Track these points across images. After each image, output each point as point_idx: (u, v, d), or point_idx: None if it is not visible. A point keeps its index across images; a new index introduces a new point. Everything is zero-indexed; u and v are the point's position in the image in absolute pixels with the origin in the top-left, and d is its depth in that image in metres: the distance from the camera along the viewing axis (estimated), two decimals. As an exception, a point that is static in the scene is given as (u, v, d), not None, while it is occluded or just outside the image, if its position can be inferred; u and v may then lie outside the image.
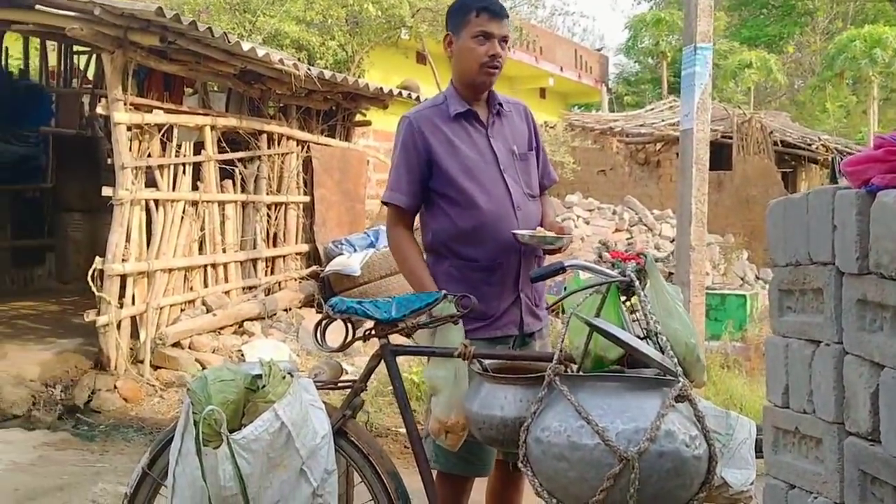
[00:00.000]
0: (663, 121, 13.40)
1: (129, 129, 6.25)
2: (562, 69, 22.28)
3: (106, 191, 6.16)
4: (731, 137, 12.38)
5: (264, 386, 2.34)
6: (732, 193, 11.73)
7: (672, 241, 8.98)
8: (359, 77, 10.47)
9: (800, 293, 1.91)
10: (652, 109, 15.18)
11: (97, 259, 6.02)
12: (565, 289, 2.69)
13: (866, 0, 27.99)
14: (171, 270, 6.66)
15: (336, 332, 2.59)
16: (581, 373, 2.28)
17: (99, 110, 6.43)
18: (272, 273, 8.03)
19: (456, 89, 2.74)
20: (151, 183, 6.52)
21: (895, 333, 1.55)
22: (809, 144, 13.36)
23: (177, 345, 6.51)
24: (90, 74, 10.74)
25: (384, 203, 2.75)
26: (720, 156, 11.74)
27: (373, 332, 2.54)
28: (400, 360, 2.62)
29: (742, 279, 9.48)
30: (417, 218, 2.83)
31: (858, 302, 1.65)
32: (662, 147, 12.94)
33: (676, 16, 24.00)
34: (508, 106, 2.82)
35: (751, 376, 5.99)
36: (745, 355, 6.55)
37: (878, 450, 1.55)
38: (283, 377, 2.38)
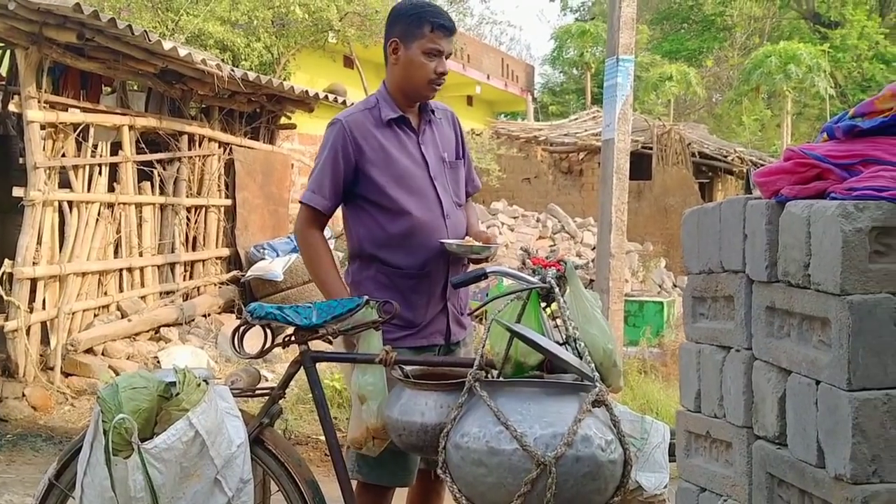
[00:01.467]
0: (586, 131, 13.63)
1: (42, 127, 6.04)
2: (489, 77, 22.48)
3: (17, 191, 5.94)
4: (651, 148, 12.68)
5: (178, 394, 2.29)
6: (652, 203, 12.01)
7: (593, 249, 9.14)
8: (284, 80, 10.34)
9: (712, 300, 1.96)
10: (576, 119, 15.43)
11: (6, 262, 5.79)
12: (487, 295, 2.70)
13: (782, 17, 29.08)
14: (84, 274, 6.45)
15: (255, 339, 2.55)
16: (501, 378, 2.29)
17: (11, 108, 6.19)
18: (191, 278, 7.85)
19: (390, 94, 2.70)
20: (65, 184, 6.31)
21: (802, 340, 1.60)
22: (726, 156, 13.77)
23: (89, 351, 6.30)
24: (3, 71, 10.33)
25: (302, 203, 2.70)
26: (640, 166, 12.00)
27: (292, 338, 2.51)
28: (322, 366, 2.59)
29: (660, 286, 9.71)
30: (340, 223, 2.81)
31: (767, 309, 1.70)
32: (585, 156, 13.17)
33: (601, 28, 24.46)
34: (439, 113, 2.82)
35: (667, 381, 6.12)
36: (661, 361, 6.70)
37: (785, 453, 1.60)
38: (198, 385, 2.33)
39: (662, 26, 30.66)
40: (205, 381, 2.38)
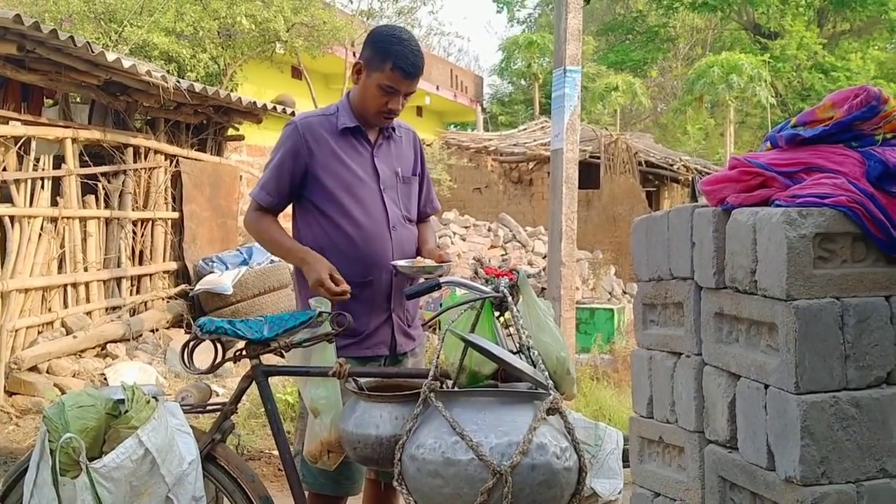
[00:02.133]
0: (535, 140, 13.76)
1: (-20, 140, 5.89)
2: (438, 88, 22.56)
3: (-45, 206, 5.78)
4: (598, 157, 12.84)
5: (127, 411, 2.24)
6: (600, 211, 12.15)
7: (544, 258, 9.21)
8: (231, 91, 10.24)
9: (662, 307, 1.99)
10: (525, 129, 15.56)
11: (-56, 279, 5.62)
12: (441, 305, 2.71)
13: (724, 29, 29.73)
14: (27, 290, 6.28)
15: (205, 353, 2.51)
16: (456, 388, 2.29)
17: (-52, 121, 6.03)
18: (138, 292, 7.69)
19: (351, 106, 2.73)
20: (6, 198, 6.15)
21: (750, 345, 1.63)
22: (671, 164, 14.01)
23: (34, 369, 6.12)
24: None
25: (252, 197, 2.74)
26: (589, 175, 12.14)
27: (244, 352, 2.48)
28: (273, 380, 2.56)
29: (610, 293, 9.83)
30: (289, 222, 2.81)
31: (716, 315, 1.73)
32: (535, 166, 13.28)
33: (548, 39, 24.72)
34: (400, 131, 2.84)
35: (619, 387, 6.18)
36: (613, 367, 6.77)
37: (736, 457, 1.63)
38: (148, 401, 2.29)
39: (608, 37, 31.14)
40: (154, 397, 2.34)
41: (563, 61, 6.14)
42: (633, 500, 2.02)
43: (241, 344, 2.49)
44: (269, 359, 2.65)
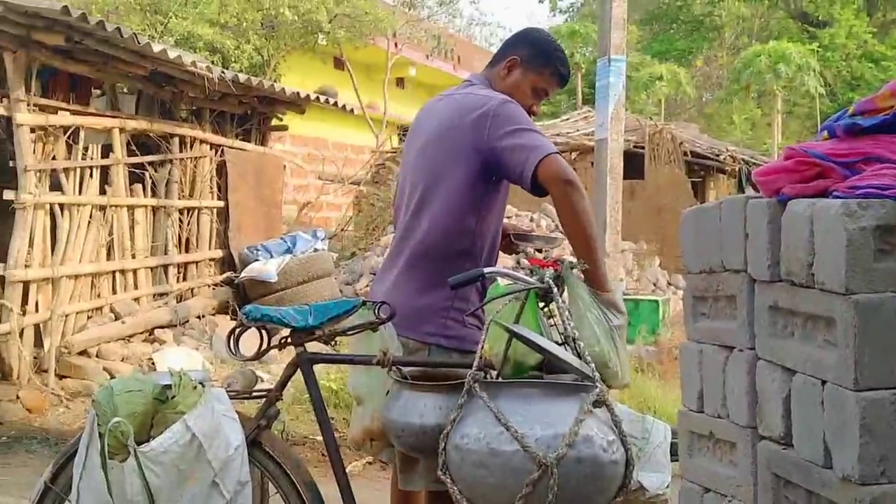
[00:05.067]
0: (578, 130, 13.61)
1: (32, 130, 6.00)
2: (480, 78, 22.48)
3: (7, 194, 5.89)
4: (643, 147, 12.67)
5: (174, 396, 2.27)
6: (645, 202, 11.98)
7: (587, 249, 9.11)
8: (275, 81, 10.30)
9: (713, 300, 1.95)
10: (567, 119, 15.40)
11: (-2, 265, 5.76)
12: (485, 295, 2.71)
13: (770, 17, 29.16)
14: (77, 277, 6.40)
15: (251, 340, 2.52)
16: (500, 379, 2.28)
17: (0, 111, 6.15)
18: (184, 279, 7.81)
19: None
20: (56, 186, 6.27)
21: (806, 339, 1.59)
22: (717, 155, 13.77)
23: (84, 353, 6.26)
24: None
25: (553, 153, 2.39)
26: (633, 165, 11.98)
27: (289, 340, 2.49)
28: (317, 368, 2.57)
29: (654, 285, 9.71)
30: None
31: (770, 308, 1.69)
32: (577, 156, 13.15)
33: (591, 28, 24.48)
34: None
35: (664, 380, 6.12)
36: (657, 359, 6.70)
37: (791, 453, 1.59)
38: (194, 387, 2.31)
39: (652, 27, 30.70)
40: (201, 383, 2.36)
41: (608, 50, 6.05)
42: (681, 495, 1.98)
43: (285, 331, 2.50)
44: (315, 346, 2.65)
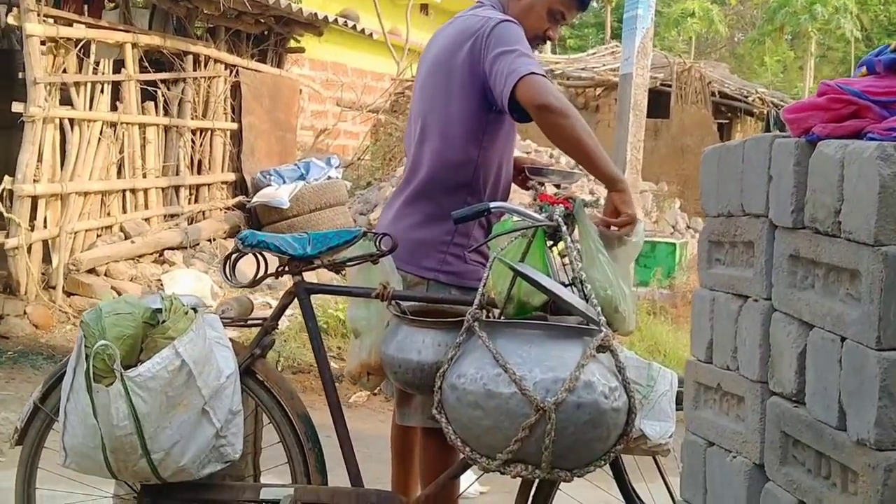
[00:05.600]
0: (604, 66, 13.27)
1: (42, 42, 5.88)
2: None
3: (16, 107, 5.80)
4: (669, 86, 12.34)
5: (164, 321, 2.20)
6: (668, 142, 11.72)
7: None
8: (295, 1, 10.07)
9: (730, 245, 1.84)
10: (594, 54, 15.02)
11: (6, 178, 5.69)
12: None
13: (810, -44, 28.19)
14: (86, 194, 6.35)
15: (250, 267, 2.45)
16: (503, 319, 2.20)
17: (10, 20, 6.02)
18: (196, 201, 7.75)
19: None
20: (66, 101, 6.17)
21: (827, 292, 1.48)
22: (746, 97, 13.42)
23: (92, 271, 6.25)
24: (6, -18, 10.09)
25: (535, 73, 2.24)
26: (658, 103, 11.70)
27: (286, 268, 2.41)
28: (327, 297, 2.50)
29: (673, 227, 9.54)
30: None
31: (790, 257, 1.58)
32: (602, 92, 12.86)
33: (623, -41, 23.80)
34: None
35: (676, 324, 6.04)
36: (671, 303, 6.61)
37: (802, 412, 1.50)
38: (186, 312, 2.24)
39: (687, -40, 29.79)
40: (193, 308, 2.29)
41: (639, -20, 5.83)
42: (685, 447, 1.91)
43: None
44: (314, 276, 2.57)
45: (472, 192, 2.45)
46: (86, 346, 2.10)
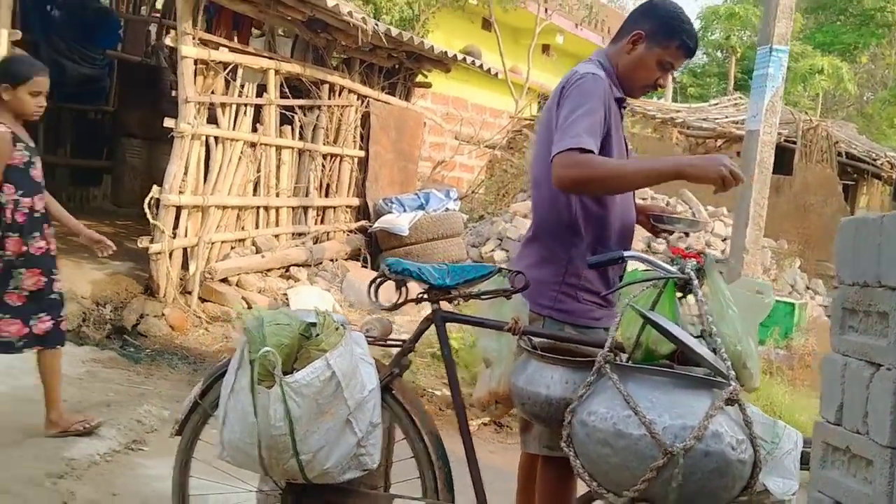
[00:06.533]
0: (727, 117, 13.14)
1: (195, 63, 6.30)
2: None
3: (168, 122, 6.22)
4: (794, 142, 12.10)
5: (318, 335, 2.39)
6: (790, 199, 11.45)
7: (724, 240, 8.85)
8: (423, 37, 10.42)
9: (864, 314, 1.90)
10: (716, 104, 14.88)
11: (154, 188, 6.10)
12: (620, 278, 2.70)
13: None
14: (224, 208, 6.75)
15: (387, 291, 2.62)
16: (630, 363, 2.29)
17: (167, 42, 6.51)
18: (322, 222, 8.11)
19: (616, 73, 2.65)
20: (212, 119, 6.58)
21: (964, 367, 1.54)
22: (875, 159, 13.01)
23: (224, 281, 6.62)
24: (159, 4, 10.87)
25: (570, 147, 2.37)
26: (781, 159, 11.45)
27: (426, 296, 2.57)
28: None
29: (792, 287, 9.29)
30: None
31: (927, 331, 1.64)
32: (723, 144, 12.72)
33: (751, 11, 23.42)
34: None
35: (792, 385, 5.92)
36: (788, 364, 6.47)
37: (932, 480, 1.55)
38: (336, 328, 2.43)
39: (817, 16, 29.02)
40: (342, 325, 2.48)
41: (771, 39, 5.84)
42: (808, 504, 1.96)
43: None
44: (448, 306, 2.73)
45: (575, 234, 2.58)
46: (249, 351, 2.31)
